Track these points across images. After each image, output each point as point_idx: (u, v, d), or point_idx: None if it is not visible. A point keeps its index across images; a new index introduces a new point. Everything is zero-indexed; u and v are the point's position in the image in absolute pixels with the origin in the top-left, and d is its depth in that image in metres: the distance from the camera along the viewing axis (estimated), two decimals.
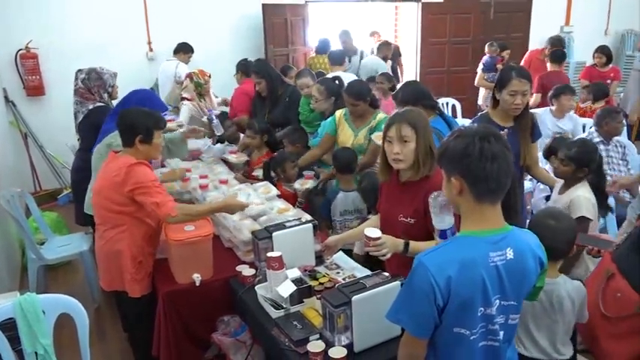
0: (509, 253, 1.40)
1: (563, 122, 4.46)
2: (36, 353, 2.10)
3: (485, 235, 1.40)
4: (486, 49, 6.76)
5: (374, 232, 1.95)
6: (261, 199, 2.96)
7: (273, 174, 3.44)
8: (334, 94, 3.58)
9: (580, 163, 2.60)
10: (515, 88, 2.57)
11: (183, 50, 5.86)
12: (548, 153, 3.43)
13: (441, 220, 1.75)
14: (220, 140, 4.24)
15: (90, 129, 3.31)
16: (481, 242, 1.39)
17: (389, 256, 1.94)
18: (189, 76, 4.73)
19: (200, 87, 4.69)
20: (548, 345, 2.05)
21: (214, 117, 4.14)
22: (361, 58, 6.31)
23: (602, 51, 6.04)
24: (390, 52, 6.54)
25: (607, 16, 8.58)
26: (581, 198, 2.53)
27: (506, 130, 2.65)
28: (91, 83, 3.45)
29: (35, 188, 5.69)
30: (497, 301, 1.41)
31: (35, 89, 5.61)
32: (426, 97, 2.89)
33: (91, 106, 3.42)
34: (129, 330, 3.03)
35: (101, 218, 2.55)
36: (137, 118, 2.49)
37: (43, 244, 3.78)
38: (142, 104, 2.89)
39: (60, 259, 3.70)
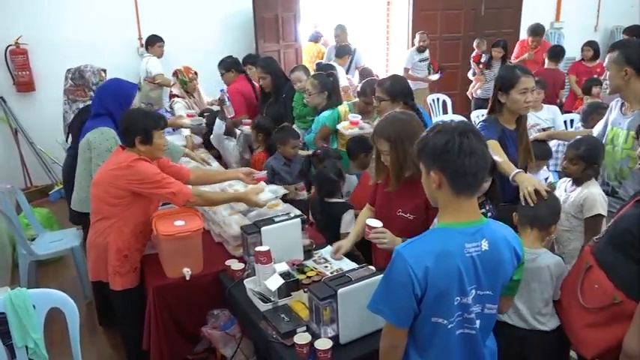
0: (484, 245, 1.45)
1: (541, 114, 4.51)
2: (27, 347, 2.12)
3: (461, 227, 1.45)
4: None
5: (375, 222, 2.05)
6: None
7: None
8: (327, 89, 3.63)
9: (590, 160, 2.54)
10: (525, 85, 2.48)
11: (150, 44, 5.74)
12: None
13: None
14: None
15: (82, 127, 3.29)
16: (457, 234, 1.44)
17: (386, 247, 2.00)
18: (175, 73, 4.74)
19: (185, 84, 4.70)
20: (529, 314, 2.13)
21: (227, 98, 4.10)
22: (353, 55, 6.28)
23: (590, 45, 6.10)
24: (426, 41, 6.70)
25: (597, 12, 8.65)
26: (596, 195, 2.49)
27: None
28: (76, 82, 3.45)
29: (26, 184, 5.69)
30: (473, 290, 1.45)
31: (25, 85, 5.59)
32: (408, 96, 2.93)
33: (81, 105, 3.41)
34: (111, 324, 3.05)
35: (95, 209, 2.59)
36: (135, 120, 2.52)
37: (33, 239, 3.79)
38: (115, 95, 2.93)
39: (51, 255, 3.71)
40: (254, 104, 4.49)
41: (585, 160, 2.54)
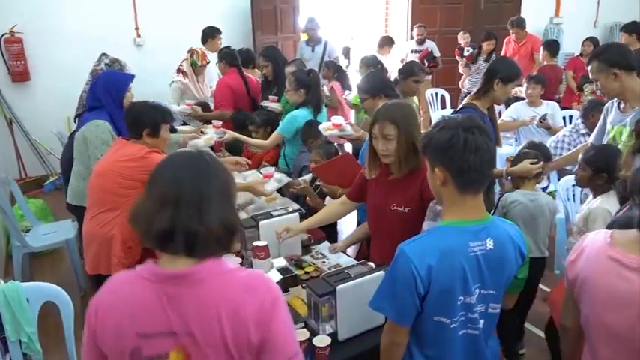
0: (490, 243, 1.42)
1: (541, 109, 4.53)
2: (20, 341, 2.10)
3: (466, 225, 1.43)
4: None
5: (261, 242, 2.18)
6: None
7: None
8: (303, 87, 3.53)
9: (597, 167, 2.39)
10: (519, 81, 2.77)
11: (212, 36, 5.19)
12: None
13: (430, 226, 1.82)
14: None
15: None
16: (462, 232, 1.42)
17: None
18: (191, 51, 4.66)
19: (195, 66, 4.63)
20: (533, 243, 2.59)
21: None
22: (325, 48, 5.96)
23: (591, 40, 6.11)
24: (423, 34, 6.92)
25: (596, 7, 8.62)
26: (599, 210, 2.33)
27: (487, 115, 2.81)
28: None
29: (20, 175, 5.63)
30: (477, 290, 1.43)
31: (20, 75, 5.51)
32: (387, 88, 2.92)
33: None
34: None
35: (98, 200, 2.56)
36: (144, 112, 2.52)
37: (28, 231, 3.75)
38: (107, 87, 2.91)
39: (45, 247, 3.67)
40: (245, 99, 4.40)
41: (591, 165, 2.41)
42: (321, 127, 3.26)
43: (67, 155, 3.29)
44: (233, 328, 1.10)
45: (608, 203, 2.36)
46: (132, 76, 3.08)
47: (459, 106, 3.01)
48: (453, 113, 3.00)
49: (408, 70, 3.73)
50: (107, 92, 2.91)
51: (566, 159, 3.30)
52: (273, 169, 3.00)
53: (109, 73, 3.10)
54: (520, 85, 5.18)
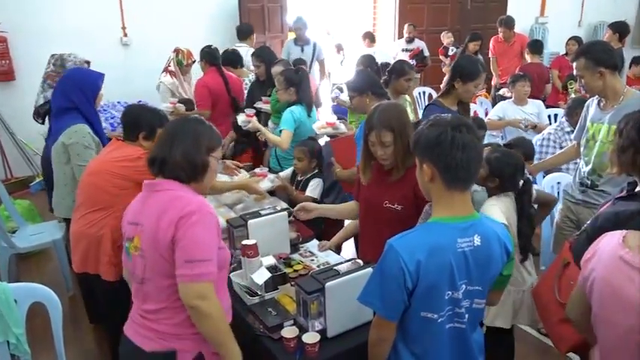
0: (477, 240, 1.45)
1: (527, 108, 4.58)
2: (8, 342, 2.08)
3: (453, 222, 1.45)
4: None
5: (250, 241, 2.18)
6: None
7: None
8: (293, 85, 3.55)
9: (492, 169, 2.30)
10: (481, 81, 2.85)
11: (251, 32, 5.45)
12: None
13: None
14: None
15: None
16: (450, 229, 1.44)
17: None
18: (177, 50, 4.66)
19: (180, 65, 4.63)
20: None
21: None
22: (314, 49, 5.92)
23: (576, 39, 6.19)
24: (412, 33, 7.10)
25: (581, 7, 8.74)
26: (487, 206, 2.28)
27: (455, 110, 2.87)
28: (57, 69, 3.33)
29: (6, 175, 5.57)
30: (464, 285, 1.46)
31: (5, 74, 5.46)
32: (374, 86, 2.96)
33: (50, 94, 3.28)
34: (102, 320, 3.01)
35: (89, 199, 2.53)
36: (141, 115, 2.52)
37: (14, 232, 3.71)
38: (80, 87, 2.85)
39: (32, 248, 3.64)
40: (224, 99, 4.37)
41: (489, 165, 2.30)
42: (314, 126, 3.29)
43: (47, 154, 3.26)
44: (159, 225, 1.60)
45: (491, 209, 2.25)
46: (102, 75, 3.00)
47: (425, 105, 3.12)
48: (423, 112, 3.10)
49: (399, 70, 3.74)
50: (80, 91, 2.84)
51: (551, 162, 3.34)
52: (267, 169, 3.15)
53: (79, 71, 3.02)
54: (504, 85, 5.25)
